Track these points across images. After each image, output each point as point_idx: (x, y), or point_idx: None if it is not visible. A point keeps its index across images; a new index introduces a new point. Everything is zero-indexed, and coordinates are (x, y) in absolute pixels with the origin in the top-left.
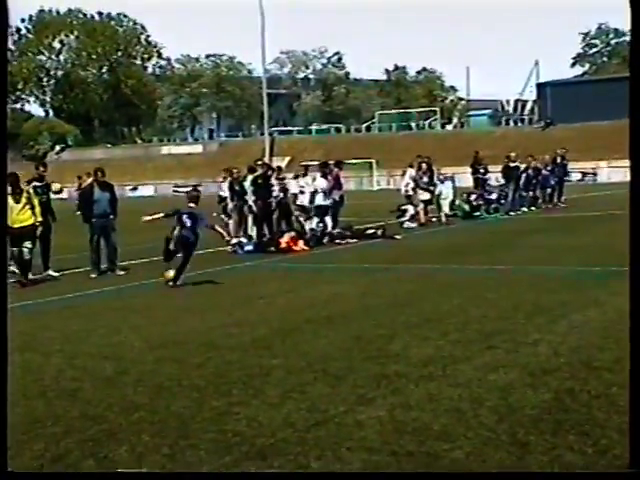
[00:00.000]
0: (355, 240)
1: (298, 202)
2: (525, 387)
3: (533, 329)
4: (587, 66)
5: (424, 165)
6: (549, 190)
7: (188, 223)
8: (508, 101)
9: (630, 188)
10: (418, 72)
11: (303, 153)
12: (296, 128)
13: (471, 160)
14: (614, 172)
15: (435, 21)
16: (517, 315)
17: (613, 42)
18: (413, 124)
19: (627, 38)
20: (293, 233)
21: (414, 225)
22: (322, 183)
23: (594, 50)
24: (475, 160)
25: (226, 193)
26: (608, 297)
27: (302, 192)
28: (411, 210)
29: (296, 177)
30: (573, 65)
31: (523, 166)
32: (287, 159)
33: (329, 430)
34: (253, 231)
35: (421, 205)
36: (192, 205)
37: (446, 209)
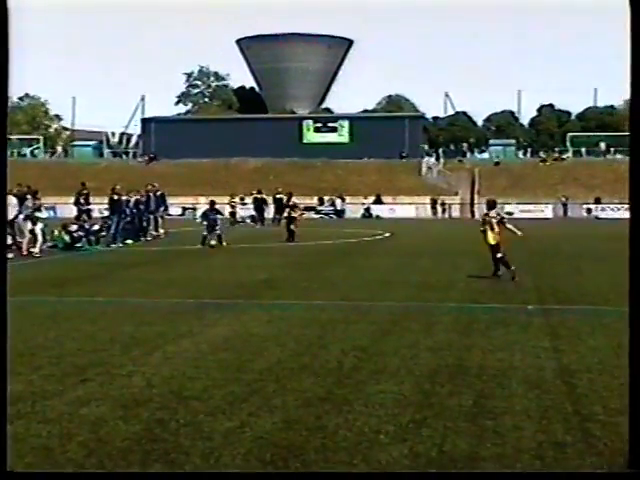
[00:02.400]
0: None
1: None
2: (116, 419)
3: (128, 361)
4: (190, 105)
5: (27, 194)
6: (145, 223)
7: None
8: (114, 134)
9: (630, 188)
10: (20, 98)
11: None
12: None
13: (77, 190)
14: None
15: (42, 48)
16: (113, 347)
17: (214, 84)
18: (14, 151)
19: (226, 82)
20: None
21: (11, 256)
22: None
23: (197, 90)
24: (80, 191)
25: None
26: (202, 328)
27: None
28: (9, 240)
29: None
30: (177, 103)
31: (125, 198)
32: None
33: None
34: None
35: (28, 235)
36: None
37: (41, 239)
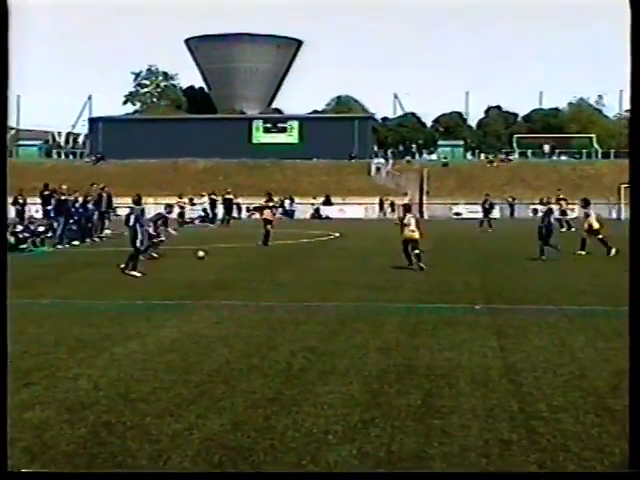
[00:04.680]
0: None
1: None
2: (62, 423)
3: (75, 364)
4: (138, 105)
5: None
6: (90, 224)
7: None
8: (60, 133)
9: (630, 191)
10: None
11: None
12: None
13: (40, 191)
14: (160, 209)
15: None
16: (59, 350)
17: (162, 84)
18: None
19: (175, 82)
20: None
21: None
22: None
23: (145, 90)
24: (42, 191)
25: None
26: (150, 329)
27: None
28: None
29: None
30: (125, 103)
31: (72, 198)
32: None
33: None
34: None
35: None
36: None
37: None
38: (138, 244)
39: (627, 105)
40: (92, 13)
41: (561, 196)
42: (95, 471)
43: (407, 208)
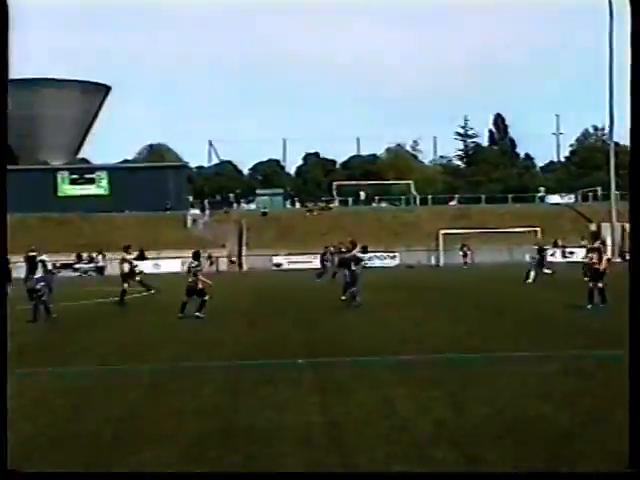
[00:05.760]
0: None
1: None
2: None
3: None
4: None
5: None
6: None
7: None
8: None
9: (630, 201)
10: None
11: None
12: None
13: None
14: None
15: None
16: None
17: None
18: None
19: None
20: None
21: None
22: None
23: None
24: None
25: None
26: None
27: None
28: None
29: None
30: None
31: None
32: None
33: None
34: None
35: None
36: None
37: None
38: (45, 298)
39: (441, 151)
40: None
41: (343, 249)
42: (95, 471)
43: (195, 255)
